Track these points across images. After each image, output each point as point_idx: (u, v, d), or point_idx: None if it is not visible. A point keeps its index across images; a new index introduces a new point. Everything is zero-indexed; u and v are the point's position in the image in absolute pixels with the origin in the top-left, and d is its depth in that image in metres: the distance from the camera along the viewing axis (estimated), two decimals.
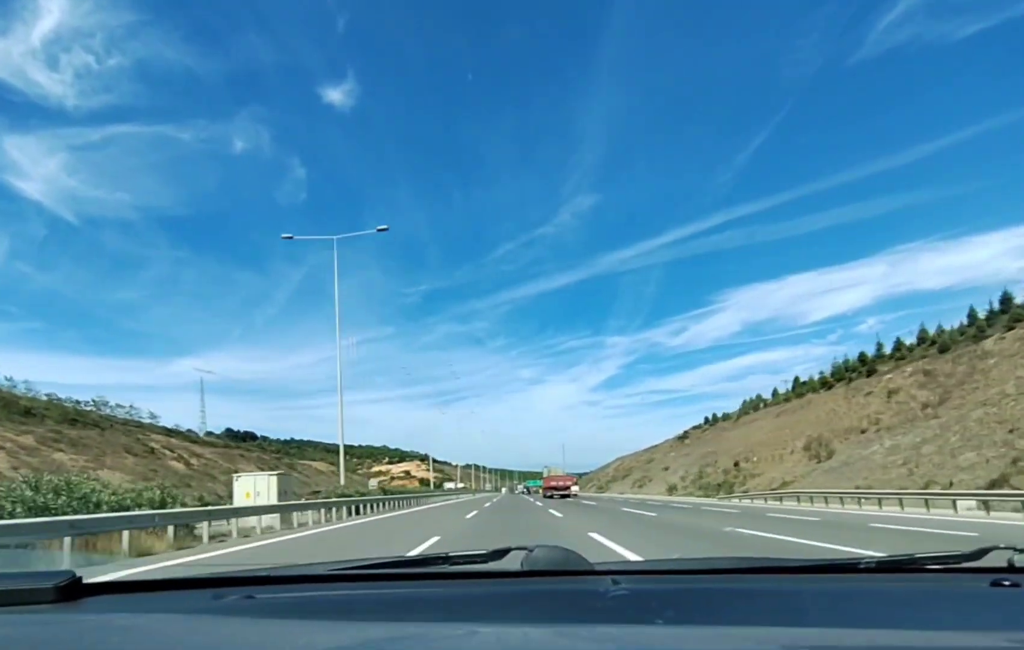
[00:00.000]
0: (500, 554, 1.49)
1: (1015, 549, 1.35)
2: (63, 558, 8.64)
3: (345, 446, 32.23)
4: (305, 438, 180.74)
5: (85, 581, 1.24)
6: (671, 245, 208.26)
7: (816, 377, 59.83)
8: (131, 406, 58.73)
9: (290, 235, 32.17)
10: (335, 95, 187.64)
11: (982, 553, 1.42)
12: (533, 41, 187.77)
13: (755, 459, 50.34)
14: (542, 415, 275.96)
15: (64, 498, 10.59)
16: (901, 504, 20.71)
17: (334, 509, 21.13)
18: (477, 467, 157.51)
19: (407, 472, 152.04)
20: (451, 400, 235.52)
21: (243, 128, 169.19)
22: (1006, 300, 42.90)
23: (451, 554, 1.53)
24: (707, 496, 45.01)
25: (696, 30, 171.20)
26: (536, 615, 1.13)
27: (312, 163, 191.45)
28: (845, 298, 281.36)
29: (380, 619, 1.14)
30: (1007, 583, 1.23)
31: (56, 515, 9.75)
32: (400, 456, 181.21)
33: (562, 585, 1.32)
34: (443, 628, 1.04)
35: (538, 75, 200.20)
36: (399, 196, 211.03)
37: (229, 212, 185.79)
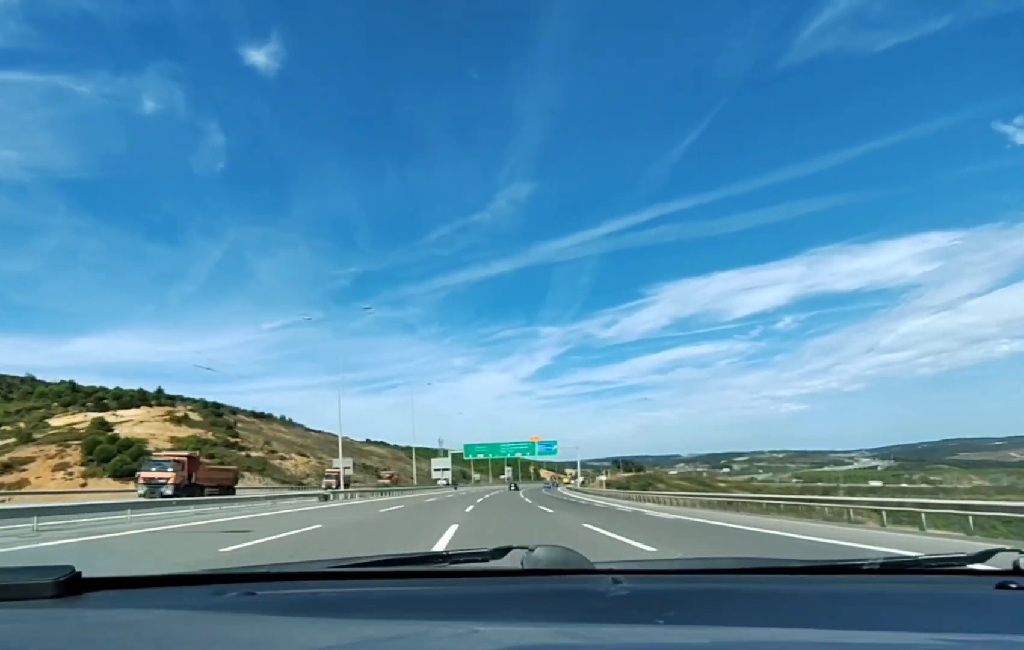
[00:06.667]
0: (501, 553, 1.48)
1: (1021, 551, 1.32)
2: None
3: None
4: None
5: (84, 576, 1.22)
6: (606, 237, 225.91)
7: None
8: None
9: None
10: (258, 57, 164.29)
11: (987, 555, 1.40)
12: (472, 19, 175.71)
13: None
14: (473, 405, 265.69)
15: None
16: None
17: None
18: (361, 442, 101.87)
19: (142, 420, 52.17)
20: (381, 388, 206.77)
21: (153, 85, 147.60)
22: None
23: (452, 552, 1.52)
24: None
25: (634, 24, 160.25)
26: (537, 614, 1.12)
27: (232, 129, 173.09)
28: (766, 296, 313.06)
29: (381, 617, 1.12)
30: (1013, 586, 1.21)
31: None
32: (154, 398, 71.66)
33: (563, 584, 1.31)
34: (444, 626, 1.03)
35: (477, 55, 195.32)
36: (329, 171, 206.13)
37: (138, 179, 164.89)
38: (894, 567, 1.43)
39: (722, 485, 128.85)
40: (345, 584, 1.35)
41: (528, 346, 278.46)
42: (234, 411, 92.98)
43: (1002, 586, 1.22)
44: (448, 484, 76.67)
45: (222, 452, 64.88)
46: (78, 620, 1.05)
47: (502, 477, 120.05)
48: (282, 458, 71.04)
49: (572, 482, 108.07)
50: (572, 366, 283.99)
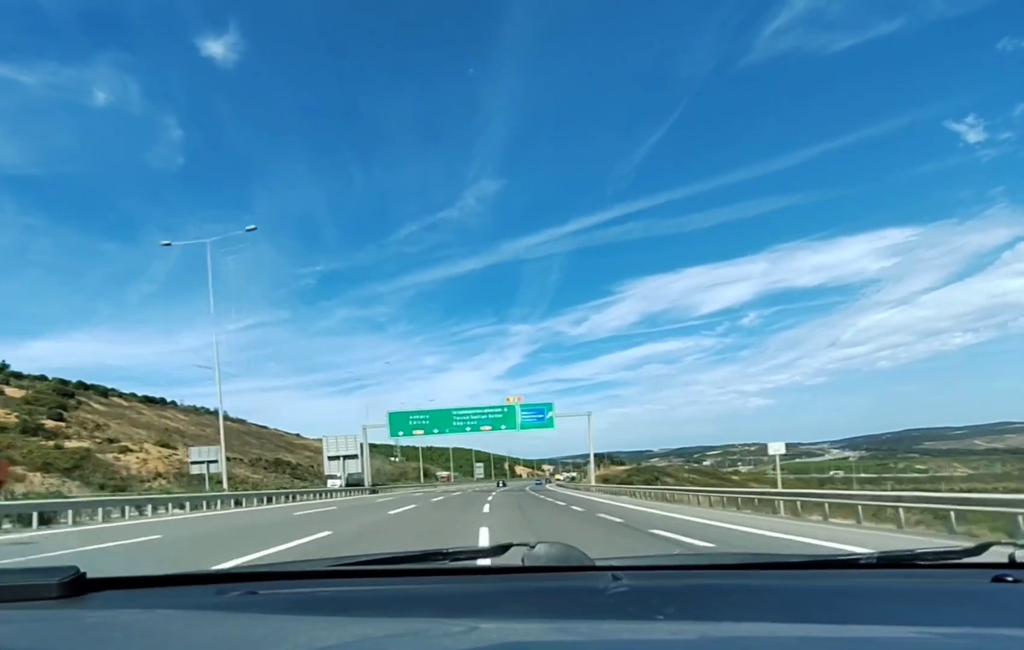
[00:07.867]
0: (501, 550, 1.49)
1: (1016, 544, 1.34)
2: None
3: None
4: None
5: (89, 576, 1.23)
6: (574, 234, 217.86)
7: None
8: None
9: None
10: (216, 48, 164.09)
11: (983, 548, 1.40)
12: (437, 15, 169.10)
13: None
14: (449, 404, 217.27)
15: None
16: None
17: None
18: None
19: None
20: (352, 388, 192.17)
21: (104, 77, 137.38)
22: None
23: (452, 550, 1.53)
24: None
25: (598, 23, 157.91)
26: (537, 611, 1.12)
27: (190, 124, 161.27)
28: (731, 292, 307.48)
29: (382, 614, 1.13)
30: (1009, 579, 1.21)
31: None
32: None
33: (563, 581, 1.32)
34: (445, 624, 1.03)
35: (442, 51, 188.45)
36: (293, 168, 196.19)
37: (91, 175, 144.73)
38: (890, 561, 1.44)
39: (735, 478, 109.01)
40: (347, 582, 1.36)
41: (499, 344, 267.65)
42: (107, 393, 68.76)
43: (997, 579, 1.21)
44: (355, 486, 46.89)
45: (9, 440, 41.21)
46: (82, 620, 1.05)
47: (441, 474, 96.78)
48: (125, 450, 47.41)
49: (563, 478, 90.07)
50: (544, 364, 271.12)
